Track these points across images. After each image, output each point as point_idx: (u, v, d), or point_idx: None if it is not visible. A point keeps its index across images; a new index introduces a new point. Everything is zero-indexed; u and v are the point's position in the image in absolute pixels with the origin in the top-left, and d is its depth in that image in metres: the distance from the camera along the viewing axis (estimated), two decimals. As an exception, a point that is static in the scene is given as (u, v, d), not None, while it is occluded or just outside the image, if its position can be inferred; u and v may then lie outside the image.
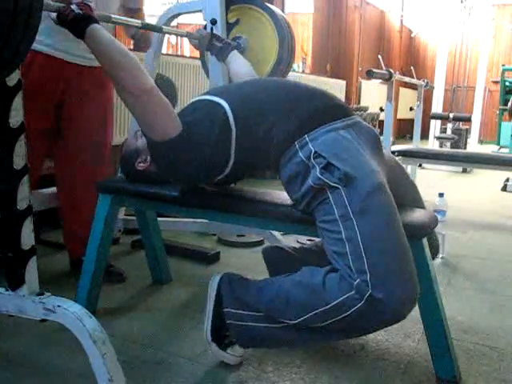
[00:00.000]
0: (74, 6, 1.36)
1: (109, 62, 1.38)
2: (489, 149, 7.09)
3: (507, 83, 8.76)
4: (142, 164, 1.59)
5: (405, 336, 1.70)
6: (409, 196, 1.54)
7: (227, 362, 1.47)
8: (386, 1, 9.55)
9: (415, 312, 1.29)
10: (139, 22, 1.76)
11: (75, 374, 1.40)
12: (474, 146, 6.75)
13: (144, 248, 2.10)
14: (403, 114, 8.81)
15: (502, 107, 8.37)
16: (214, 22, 2.07)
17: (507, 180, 4.74)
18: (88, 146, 2.02)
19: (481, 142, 8.74)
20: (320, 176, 1.25)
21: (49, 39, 1.81)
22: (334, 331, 1.29)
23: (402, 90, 9.09)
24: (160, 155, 1.46)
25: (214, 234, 2.76)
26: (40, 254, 1.34)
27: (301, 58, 7.39)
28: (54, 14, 1.38)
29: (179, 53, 6.32)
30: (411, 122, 4.70)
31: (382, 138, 3.64)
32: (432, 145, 6.65)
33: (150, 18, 3.30)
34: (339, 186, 1.24)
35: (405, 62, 10.62)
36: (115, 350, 1.23)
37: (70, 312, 1.20)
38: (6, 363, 1.46)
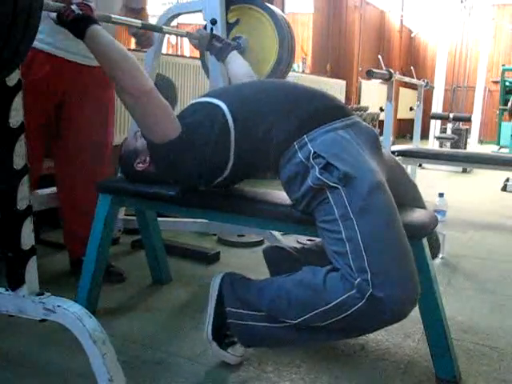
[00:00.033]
0: (74, 7, 1.36)
1: (108, 63, 1.38)
2: (489, 149, 7.09)
3: (507, 83, 8.76)
4: (140, 165, 1.59)
5: (405, 336, 1.70)
6: (409, 196, 1.55)
7: (227, 362, 1.47)
8: (386, 1, 9.55)
9: (415, 312, 1.29)
10: (139, 22, 1.76)
11: (75, 374, 1.40)
12: (474, 146, 6.75)
13: (144, 248, 2.10)
14: (403, 114, 8.81)
15: (502, 107, 8.37)
16: (213, 22, 2.07)
17: (507, 180, 4.74)
18: (88, 146, 2.02)
19: (481, 141, 8.74)
20: (319, 176, 1.25)
21: (49, 38, 1.81)
22: (334, 331, 1.29)
23: (402, 89, 9.09)
24: (160, 157, 1.47)
25: (214, 234, 2.76)
26: (40, 254, 1.34)
27: (301, 58, 7.39)
28: (53, 14, 1.38)
29: (179, 53, 6.32)
30: (411, 122, 4.70)
31: (382, 137, 3.64)
32: (432, 145, 6.65)
33: (151, 18, 3.29)
34: (339, 186, 1.24)
35: (405, 62, 10.62)
36: (115, 350, 1.23)
37: (70, 312, 1.20)
38: (6, 363, 1.46)
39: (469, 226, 3.30)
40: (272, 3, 2.70)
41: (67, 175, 2.07)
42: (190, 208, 1.64)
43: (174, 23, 2.71)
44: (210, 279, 1.49)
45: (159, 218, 2.10)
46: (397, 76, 3.57)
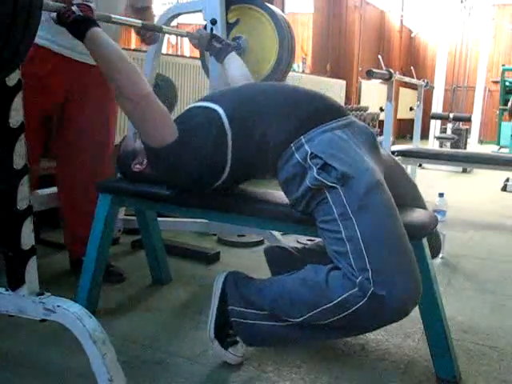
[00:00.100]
0: (74, 8, 1.36)
1: (107, 66, 1.39)
2: (489, 149, 7.08)
3: (507, 83, 8.76)
4: (138, 166, 1.60)
5: (405, 336, 1.70)
6: (409, 196, 1.55)
7: (228, 362, 1.47)
8: (386, 1, 9.55)
9: (415, 312, 1.29)
10: (139, 22, 1.76)
11: (75, 374, 1.40)
12: (473, 146, 6.75)
13: (144, 248, 2.10)
14: (403, 114, 8.81)
15: (502, 107, 8.37)
16: (213, 22, 2.07)
17: (507, 180, 4.74)
18: (89, 146, 2.01)
19: (481, 142, 8.74)
20: (317, 176, 1.25)
21: (50, 35, 1.80)
22: (335, 329, 1.30)
23: (402, 89, 9.09)
24: (157, 160, 1.47)
25: (214, 234, 2.76)
26: (40, 254, 1.34)
27: (301, 58, 7.39)
28: (54, 14, 1.38)
29: (179, 53, 6.32)
30: (411, 122, 4.70)
31: (381, 138, 3.64)
32: (432, 145, 6.65)
33: (150, 18, 3.29)
34: (337, 186, 1.24)
35: (405, 62, 10.62)
36: (115, 350, 1.23)
37: (70, 312, 1.20)
38: (6, 363, 1.46)
39: (469, 225, 3.30)
40: (272, 3, 2.70)
41: (67, 175, 2.07)
42: (189, 208, 1.64)
43: (174, 23, 2.70)
44: (210, 279, 1.50)
45: (159, 218, 2.10)
46: (397, 76, 3.57)
